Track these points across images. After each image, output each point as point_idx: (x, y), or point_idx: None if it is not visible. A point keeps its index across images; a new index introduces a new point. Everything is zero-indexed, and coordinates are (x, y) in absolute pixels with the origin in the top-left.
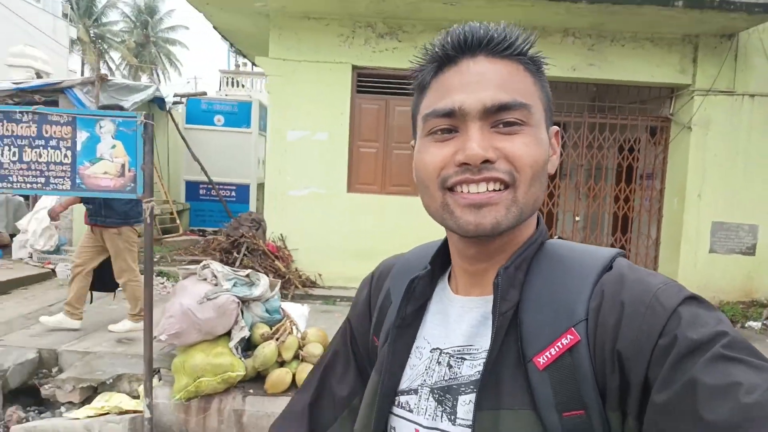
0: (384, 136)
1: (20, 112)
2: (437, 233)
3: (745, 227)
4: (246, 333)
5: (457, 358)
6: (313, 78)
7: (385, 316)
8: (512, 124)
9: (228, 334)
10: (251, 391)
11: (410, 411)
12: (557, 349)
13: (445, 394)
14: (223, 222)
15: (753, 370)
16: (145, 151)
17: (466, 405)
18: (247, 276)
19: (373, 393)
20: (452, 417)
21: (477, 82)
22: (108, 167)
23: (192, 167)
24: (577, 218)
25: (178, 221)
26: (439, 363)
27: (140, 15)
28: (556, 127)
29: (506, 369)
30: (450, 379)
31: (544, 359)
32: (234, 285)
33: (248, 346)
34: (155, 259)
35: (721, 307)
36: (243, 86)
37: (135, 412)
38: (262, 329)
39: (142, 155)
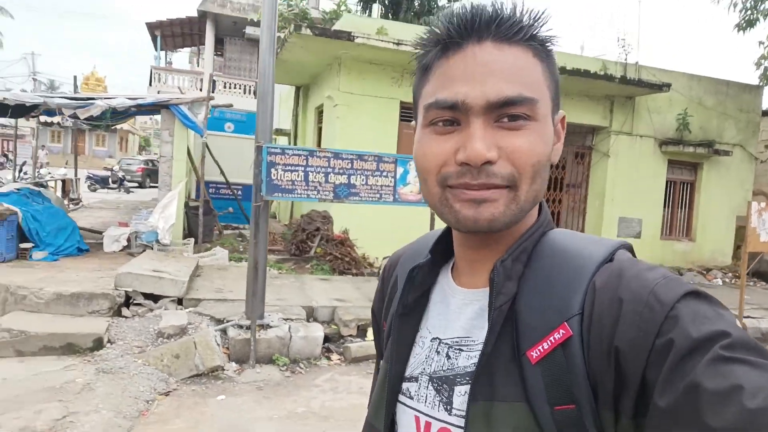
0: None
1: (367, 156)
2: None
3: (636, 220)
4: None
5: (455, 348)
6: (372, 109)
7: (392, 304)
8: (517, 118)
9: None
10: None
11: (410, 398)
12: (549, 344)
13: (442, 384)
14: (234, 216)
15: (756, 371)
16: None
17: (461, 396)
18: None
19: (382, 381)
20: (448, 407)
21: (482, 73)
22: (413, 188)
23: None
24: None
25: (217, 219)
26: (438, 352)
27: None
28: (562, 112)
29: (501, 362)
30: (448, 369)
31: (536, 353)
32: None
33: None
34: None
35: None
36: (162, 82)
37: None
38: None
39: None
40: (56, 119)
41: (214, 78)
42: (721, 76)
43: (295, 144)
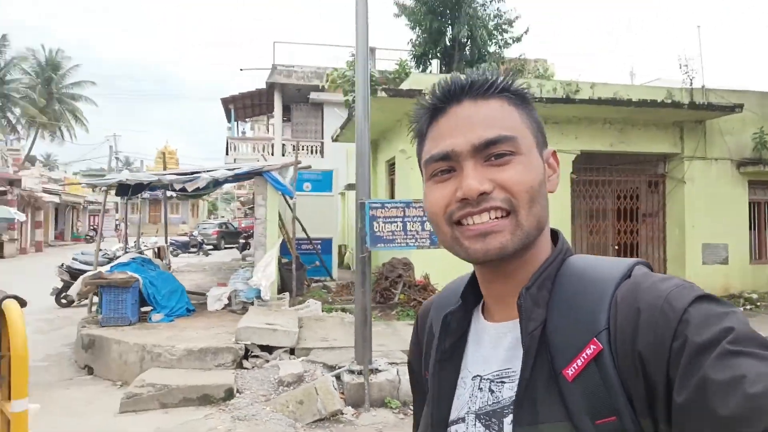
0: None
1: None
2: None
3: (721, 245)
4: None
5: (497, 382)
6: None
7: (431, 351)
8: (502, 155)
9: None
10: None
11: None
12: (583, 360)
13: (490, 419)
14: (315, 270)
15: (759, 361)
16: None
17: (510, 425)
18: None
19: (425, 426)
20: None
21: (464, 125)
22: None
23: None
24: (616, 246)
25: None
26: (480, 389)
27: (43, 71)
28: (551, 148)
29: (540, 385)
30: (494, 403)
31: (572, 371)
32: None
33: None
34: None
35: None
36: (236, 150)
37: None
38: None
39: None
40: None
41: (283, 142)
42: None
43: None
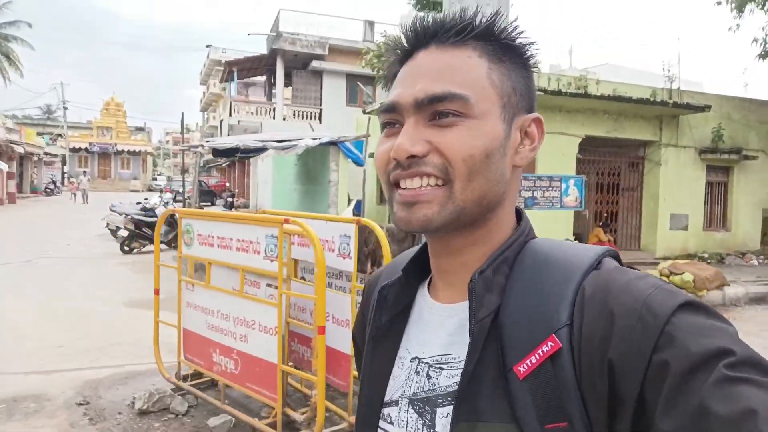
0: None
1: (543, 177)
2: None
3: (684, 216)
4: None
5: (435, 368)
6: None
7: (368, 325)
8: (447, 115)
9: None
10: None
11: (391, 423)
12: (538, 357)
13: (424, 406)
14: None
15: (765, 392)
16: (586, 191)
17: (444, 417)
18: None
19: (360, 407)
20: (431, 430)
21: (416, 74)
22: (571, 199)
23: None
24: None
25: None
26: (417, 373)
27: None
28: (534, 115)
29: (486, 379)
30: (429, 390)
31: (524, 368)
32: None
33: None
34: None
35: (675, 258)
36: (237, 111)
37: None
38: None
39: (584, 193)
40: (84, 145)
41: (284, 106)
42: (746, 95)
43: None
